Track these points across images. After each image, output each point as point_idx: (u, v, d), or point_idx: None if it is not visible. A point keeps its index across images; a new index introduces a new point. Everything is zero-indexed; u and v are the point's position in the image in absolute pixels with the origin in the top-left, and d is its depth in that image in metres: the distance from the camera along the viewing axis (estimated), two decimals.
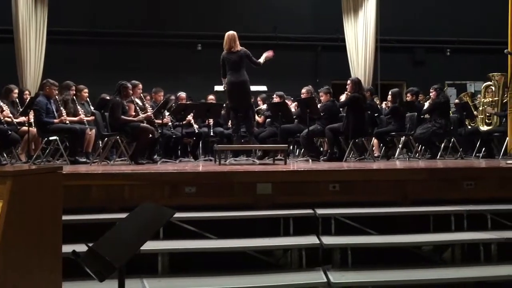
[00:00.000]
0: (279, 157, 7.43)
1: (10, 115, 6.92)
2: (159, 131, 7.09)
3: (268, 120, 8.42)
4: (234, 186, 4.77)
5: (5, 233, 1.89)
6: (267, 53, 6.90)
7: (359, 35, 11.00)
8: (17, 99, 7.64)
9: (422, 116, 8.31)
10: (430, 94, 8.40)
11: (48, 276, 2.19)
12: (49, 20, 10.28)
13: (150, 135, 6.70)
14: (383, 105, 9.26)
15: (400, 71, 12.55)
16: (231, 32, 6.82)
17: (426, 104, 8.48)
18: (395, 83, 11.26)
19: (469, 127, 8.72)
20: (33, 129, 7.01)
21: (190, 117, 7.90)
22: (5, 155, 7.25)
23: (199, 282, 3.76)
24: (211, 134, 8.06)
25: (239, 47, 6.73)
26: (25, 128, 7.05)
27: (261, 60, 6.84)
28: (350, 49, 11.09)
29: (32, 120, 7.02)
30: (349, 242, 4.16)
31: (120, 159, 7.24)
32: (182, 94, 8.62)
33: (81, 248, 2.33)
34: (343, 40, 11.28)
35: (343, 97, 7.57)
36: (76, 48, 11.41)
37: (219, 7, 12.10)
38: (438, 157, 7.79)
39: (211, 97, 8.92)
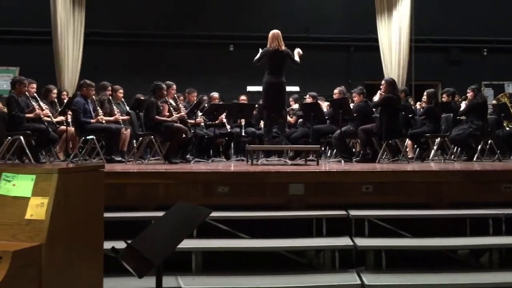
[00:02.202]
0: (311, 157, 7.41)
1: (50, 114, 7.13)
2: (192, 131, 7.18)
3: (300, 120, 8.41)
4: (267, 186, 4.79)
5: (50, 228, 1.96)
6: (297, 50, 6.93)
7: (393, 34, 10.84)
8: (55, 99, 7.87)
9: (458, 117, 8.13)
10: (467, 94, 8.21)
11: (90, 271, 2.26)
12: (86, 23, 10.56)
13: (183, 135, 6.79)
14: (418, 106, 9.10)
15: (435, 71, 12.30)
16: (276, 31, 6.85)
17: (463, 105, 8.29)
18: (430, 84, 11.03)
19: (507, 128, 8.48)
20: (71, 129, 7.20)
21: (222, 116, 7.96)
22: (44, 153, 7.49)
23: (232, 281, 3.80)
24: (243, 134, 8.10)
25: (284, 47, 6.77)
26: (63, 127, 7.25)
27: (297, 58, 6.87)
28: (384, 49, 10.95)
29: (70, 120, 7.22)
30: (383, 244, 4.12)
31: (154, 158, 7.36)
32: (215, 95, 8.70)
33: (119, 245, 2.39)
34: (376, 40, 11.14)
35: (376, 97, 7.49)
36: (111, 49, 11.66)
37: (251, 8, 12.14)
38: (474, 159, 7.61)
39: (243, 97, 8.96)
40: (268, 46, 6.81)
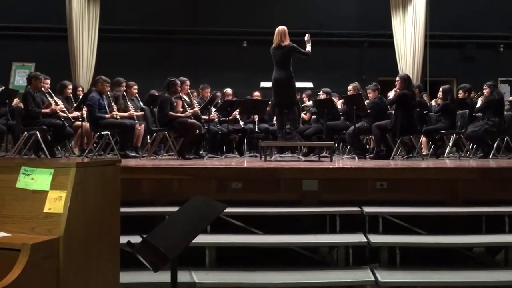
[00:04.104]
0: (324, 154, 7.38)
1: (65, 109, 7.19)
2: (206, 127, 7.19)
3: (313, 117, 8.38)
4: (280, 182, 4.79)
5: (68, 222, 1.99)
6: (306, 38, 6.87)
7: (408, 30, 10.74)
8: (71, 95, 7.93)
9: (474, 114, 8.04)
10: (484, 91, 8.10)
11: (107, 265, 2.28)
12: (101, 19, 10.64)
13: (197, 131, 6.80)
14: (433, 103, 9.01)
15: (450, 68, 12.16)
16: (281, 27, 6.83)
17: (479, 102, 8.19)
18: (445, 80, 10.94)
19: None
20: (86, 124, 7.26)
21: (236, 113, 7.97)
22: (59, 148, 7.56)
23: (245, 277, 3.81)
24: (256, 130, 8.10)
25: (287, 42, 6.73)
26: (78, 122, 7.30)
27: (308, 48, 6.81)
28: (398, 45, 10.86)
29: (85, 115, 7.27)
30: (398, 241, 4.10)
31: (168, 154, 7.39)
32: (229, 91, 8.70)
33: (134, 239, 2.41)
34: (390, 36, 11.06)
35: (391, 94, 7.43)
36: (125, 45, 11.73)
37: (264, 4, 12.12)
38: (490, 156, 7.52)
39: (256, 93, 8.94)
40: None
